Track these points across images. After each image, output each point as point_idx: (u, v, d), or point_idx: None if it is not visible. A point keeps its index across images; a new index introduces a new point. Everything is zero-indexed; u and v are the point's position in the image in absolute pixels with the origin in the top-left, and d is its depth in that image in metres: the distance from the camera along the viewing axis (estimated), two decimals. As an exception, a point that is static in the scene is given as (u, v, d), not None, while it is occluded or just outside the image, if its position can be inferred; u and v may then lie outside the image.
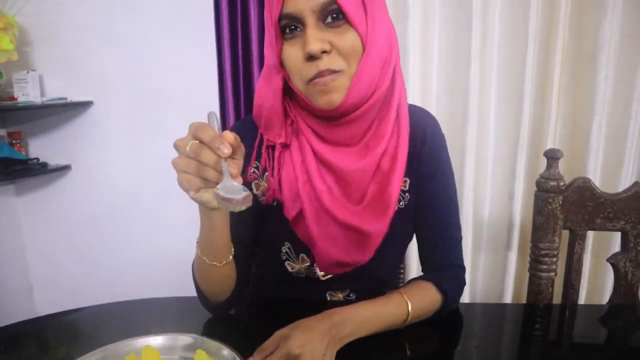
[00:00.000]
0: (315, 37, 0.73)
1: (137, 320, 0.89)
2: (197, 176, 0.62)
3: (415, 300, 0.82)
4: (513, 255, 1.69)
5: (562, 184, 1.03)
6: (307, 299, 0.93)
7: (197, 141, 0.60)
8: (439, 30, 1.59)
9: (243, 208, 0.60)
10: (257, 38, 1.66)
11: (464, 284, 0.93)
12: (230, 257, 0.80)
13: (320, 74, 0.75)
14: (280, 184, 0.88)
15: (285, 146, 0.88)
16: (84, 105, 1.99)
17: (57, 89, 1.98)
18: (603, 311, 1.04)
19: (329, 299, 0.97)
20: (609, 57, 1.48)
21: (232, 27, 1.68)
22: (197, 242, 0.79)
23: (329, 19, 0.74)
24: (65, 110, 2.02)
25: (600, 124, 1.51)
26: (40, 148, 2.09)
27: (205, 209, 0.71)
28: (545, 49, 1.55)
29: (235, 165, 0.62)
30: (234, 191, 0.60)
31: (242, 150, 0.66)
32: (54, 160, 2.08)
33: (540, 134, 1.60)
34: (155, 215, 2.06)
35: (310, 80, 0.76)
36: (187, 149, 0.60)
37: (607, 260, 1.06)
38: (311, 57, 0.74)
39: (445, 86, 1.63)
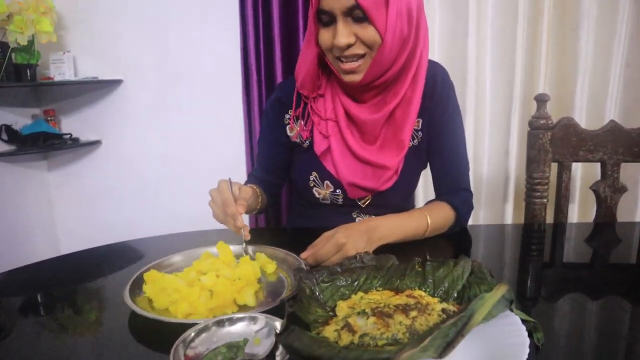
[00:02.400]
0: (343, 32, 0.92)
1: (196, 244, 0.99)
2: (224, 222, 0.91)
3: (433, 214, 1.02)
4: (509, 208, 1.89)
5: (550, 122, 1.23)
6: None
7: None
8: (440, 11, 1.79)
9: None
10: (278, 19, 1.81)
11: (472, 207, 1.13)
12: (257, 208, 1.10)
13: (344, 56, 0.96)
14: (312, 128, 1.11)
15: (320, 96, 1.10)
16: (114, 83, 2.16)
17: (90, 70, 2.15)
18: (588, 228, 1.24)
19: (357, 223, 1.16)
20: (589, 27, 1.68)
21: (255, 10, 1.83)
22: None
23: (355, 17, 0.93)
24: (96, 88, 2.18)
25: (582, 85, 1.71)
26: (72, 124, 2.25)
27: None
28: (533, 22, 1.75)
29: (247, 229, 0.89)
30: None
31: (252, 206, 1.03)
32: (85, 136, 2.24)
33: (530, 97, 1.78)
34: (182, 188, 2.20)
35: (338, 57, 0.97)
36: (217, 208, 0.90)
37: (590, 187, 1.26)
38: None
39: (445, 56, 1.82)
